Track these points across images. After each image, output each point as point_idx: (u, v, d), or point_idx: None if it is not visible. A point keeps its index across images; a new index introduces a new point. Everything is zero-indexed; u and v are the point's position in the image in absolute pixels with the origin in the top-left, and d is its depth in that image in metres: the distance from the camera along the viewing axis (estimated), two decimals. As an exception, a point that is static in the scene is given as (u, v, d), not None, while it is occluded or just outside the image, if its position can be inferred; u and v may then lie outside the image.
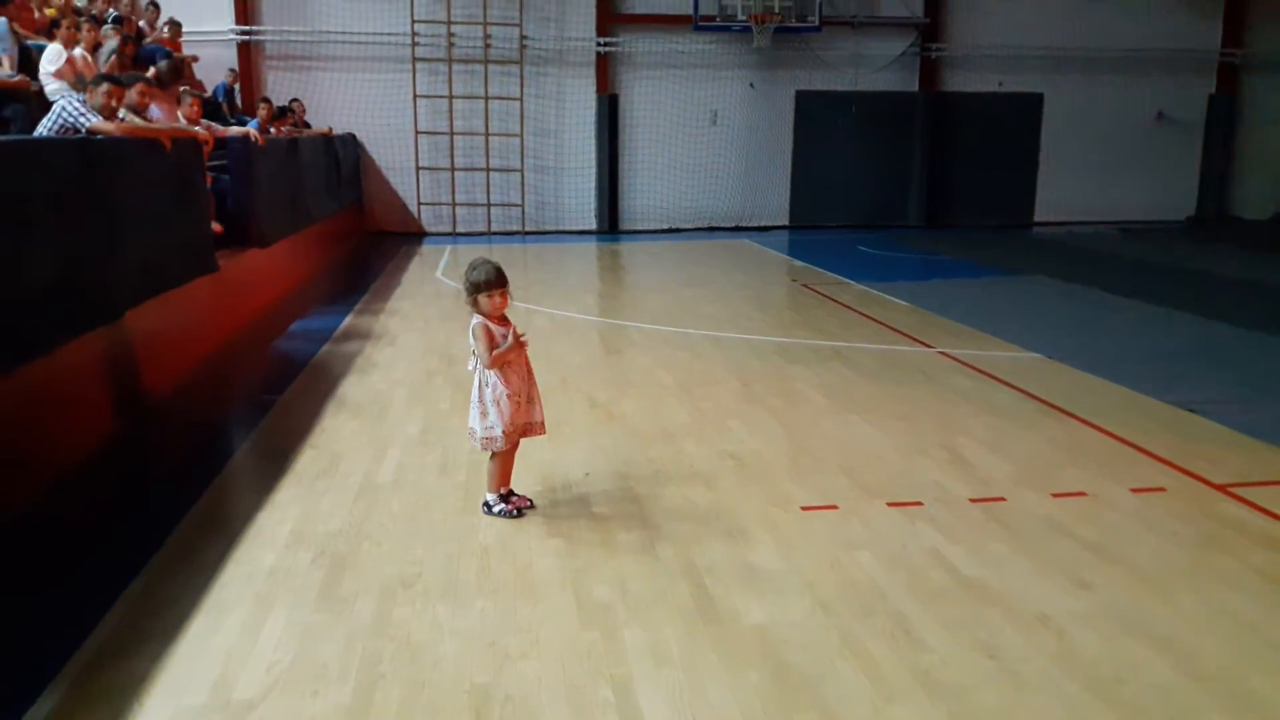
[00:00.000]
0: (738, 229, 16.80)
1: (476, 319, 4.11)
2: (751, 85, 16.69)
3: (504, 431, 4.12)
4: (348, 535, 4.06)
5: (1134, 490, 4.59)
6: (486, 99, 15.82)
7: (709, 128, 16.69)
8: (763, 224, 17.05)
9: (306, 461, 4.98)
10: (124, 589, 3.56)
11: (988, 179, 17.66)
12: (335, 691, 2.92)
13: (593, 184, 16.47)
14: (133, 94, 6.83)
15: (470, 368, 4.21)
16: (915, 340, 7.88)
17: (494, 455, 4.23)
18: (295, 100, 13.89)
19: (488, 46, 15.69)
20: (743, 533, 4.08)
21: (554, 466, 4.87)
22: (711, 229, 16.81)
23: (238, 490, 4.71)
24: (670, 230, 16.62)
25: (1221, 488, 4.62)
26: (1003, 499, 4.49)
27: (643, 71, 16.38)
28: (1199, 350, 7.56)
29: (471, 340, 4.12)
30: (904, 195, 17.46)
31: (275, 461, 4.96)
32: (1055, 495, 4.52)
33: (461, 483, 4.60)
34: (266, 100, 12.03)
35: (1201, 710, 2.84)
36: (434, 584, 3.62)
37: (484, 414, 4.13)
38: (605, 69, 16.18)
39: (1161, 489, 4.61)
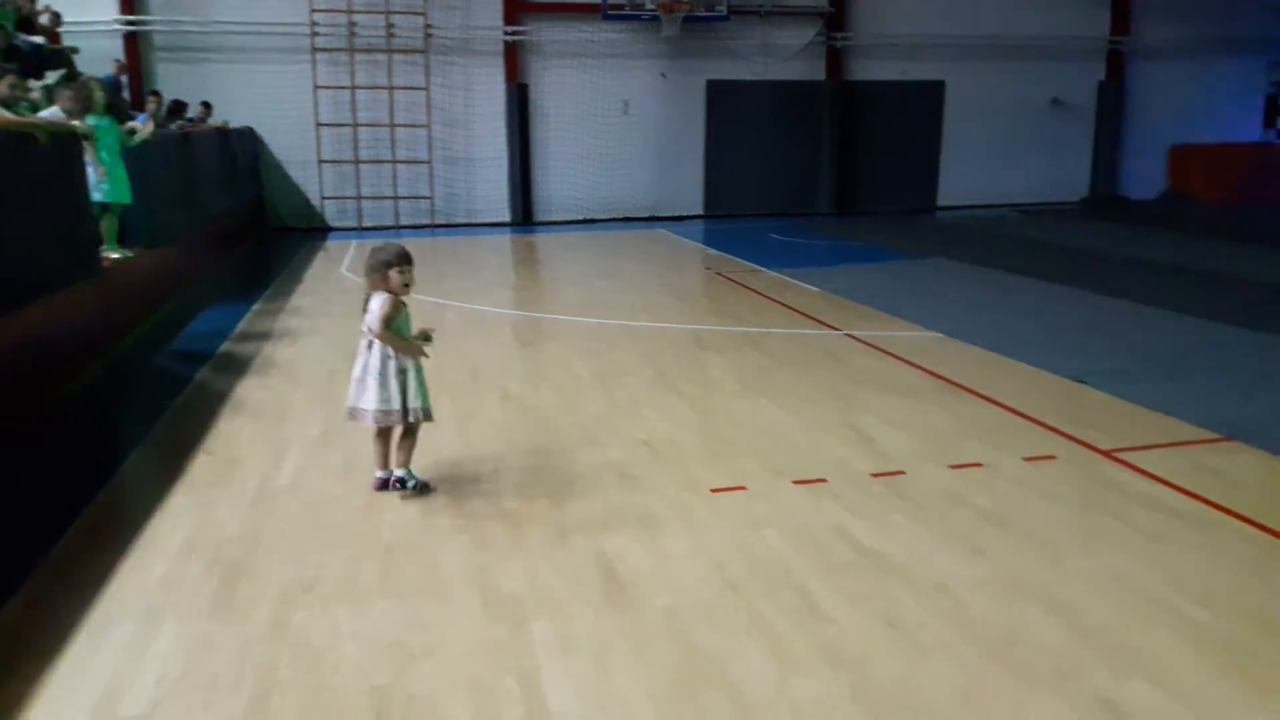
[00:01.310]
0: (653, 219, 16.86)
1: (385, 294, 4.17)
2: (663, 75, 16.74)
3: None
4: (244, 542, 3.96)
5: (1027, 460, 4.76)
6: (391, 89, 15.55)
7: (621, 117, 16.70)
8: (678, 213, 17.14)
9: (201, 467, 4.83)
10: (1, 607, 3.40)
11: (894, 165, 18.06)
12: (228, 702, 2.85)
13: (504, 175, 16.34)
14: (3, 87, 6.52)
15: (366, 344, 4.23)
16: (823, 324, 8.02)
17: (405, 433, 4.33)
18: (205, 103, 13.50)
19: (391, 36, 15.41)
20: (654, 518, 4.11)
21: (463, 462, 4.83)
22: (627, 219, 16.83)
23: (128, 500, 4.54)
24: (585, 221, 16.59)
25: (1108, 453, 4.82)
26: (903, 473, 4.61)
27: (553, 60, 16.29)
28: (1090, 325, 7.87)
29: (371, 313, 4.16)
30: (815, 183, 17.74)
31: (168, 468, 4.80)
32: (953, 467, 4.67)
33: (364, 484, 4.53)
34: (155, 93, 11.61)
35: (1086, 665, 2.96)
36: (334, 587, 3.55)
37: (383, 386, 4.19)
38: (514, 58, 16.05)
39: (1052, 457, 4.79)
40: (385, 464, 4.42)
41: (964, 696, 2.81)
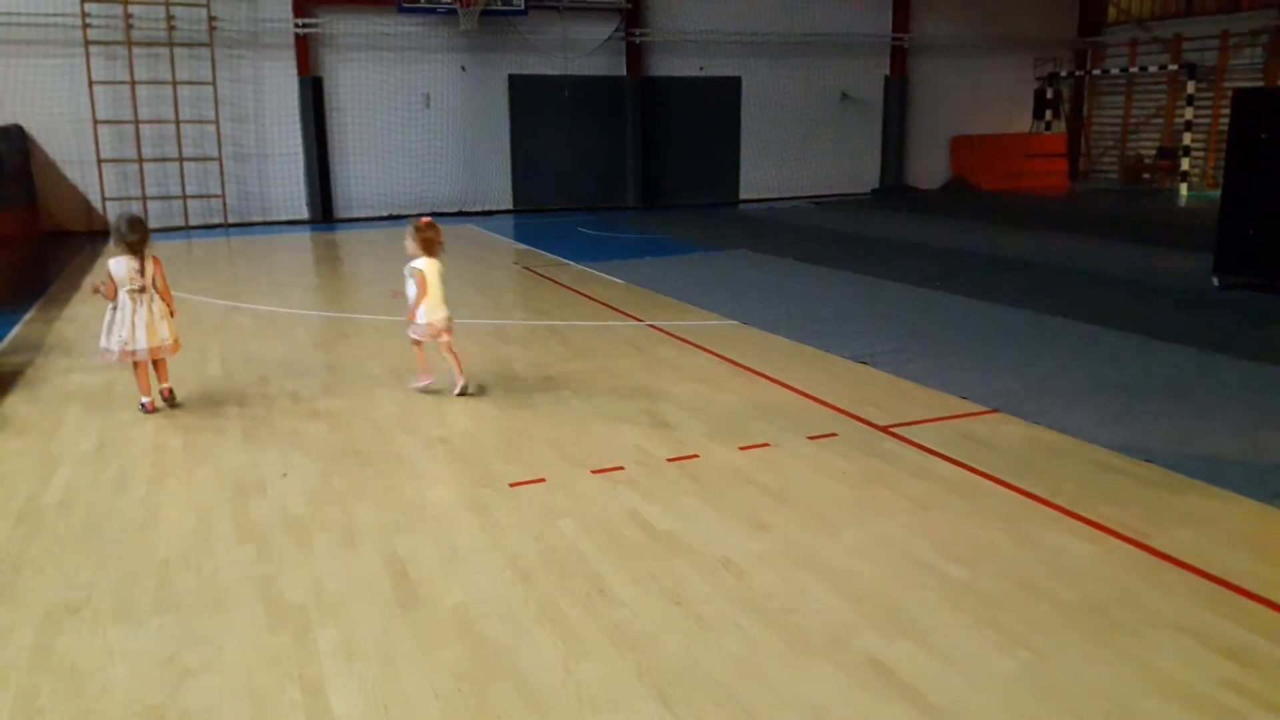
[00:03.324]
0: (461, 214, 16.61)
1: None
2: (463, 68, 16.51)
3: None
4: (4, 565, 3.65)
5: (811, 438, 5.01)
6: (175, 84, 14.60)
7: (423, 111, 16.35)
8: (486, 208, 16.96)
9: (-46, 491, 4.41)
10: None
11: (697, 160, 18.54)
12: (-23, 739, 2.62)
13: (300, 171, 15.67)
14: None
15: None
16: (627, 315, 8.15)
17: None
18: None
19: (171, 28, 14.47)
20: (448, 516, 4.07)
21: (248, 469, 4.62)
22: (433, 214, 16.48)
23: None
24: (390, 217, 16.15)
25: (884, 429, 5.14)
26: (697, 456, 4.76)
27: (348, 54, 15.75)
28: (874, 309, 8.35)
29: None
30: (621, 177, 17.97)
31: (-87, 495, 4.36)
32: (743, 448, 4.86)
33: (141, 498, 4.26)
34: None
35: (856, 627, 3.16)
36: (104, 606, 3.33)
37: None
38: (306, 51, 15.40)
39: (834, 435, 5.07)
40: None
41: (743, 666, 2.93)
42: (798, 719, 2.68)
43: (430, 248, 5.97)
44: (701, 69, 18.15)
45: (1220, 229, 8.82)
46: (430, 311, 5.78)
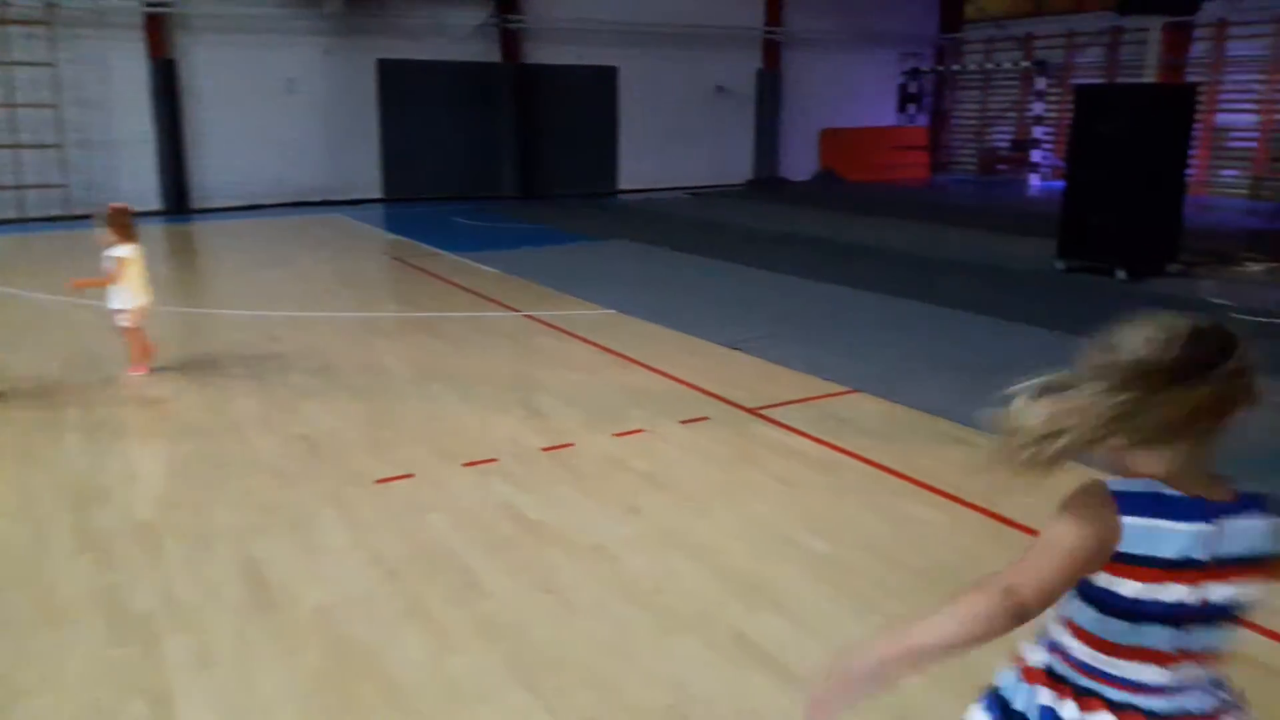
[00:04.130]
0: (327, 203, 16.09)
1: None
2: (328, 52, 15.98)
3: None
4: None
5: (683, 422, 5.06)
6: (10, 65, 13.65)
7: (286, 96, 15.75)
8: (355, 197, 16.47)
9: None
10: None
11: (575, 149, 18.46)
12: None
13: (153, 160, 14.86)
14: None
15: None
16: (503, 306, 8.06)
17: None
18: None
19: (5, 5, 13.51)
20: (310, 516, 3.94)
21: (91, 474, 4.36)
22: (299, 204, 15.93)
23: None
24: (252, 207, 15.50)
25: (753, 411, 5.24)
26: (572, 445, 4.74)
27: (204, 36, 15.02)
28: (747, 297, 8.50)
29: None
30: (498, 166, 17.74)
31: None
32: (617, 435, 4.87)
33: (-28, 506, 3.97)
34: None
35: (723, 604, 3.20)
36: (-74, 627, 3.09)
37: None
38: (159, 32, 14.62)
39: (706, 418, 5.13)
40: None
41: (612, 648, 2.94)
42: (664, 695, 2.70)
43: (129, 233, 5.99)
44: (579, 57, 18.08)
45: (1063, 216, 9.33)
46: (136, 296, 5.88)
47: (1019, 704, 1.53)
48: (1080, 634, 1.45)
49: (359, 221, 14.21)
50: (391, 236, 12.72)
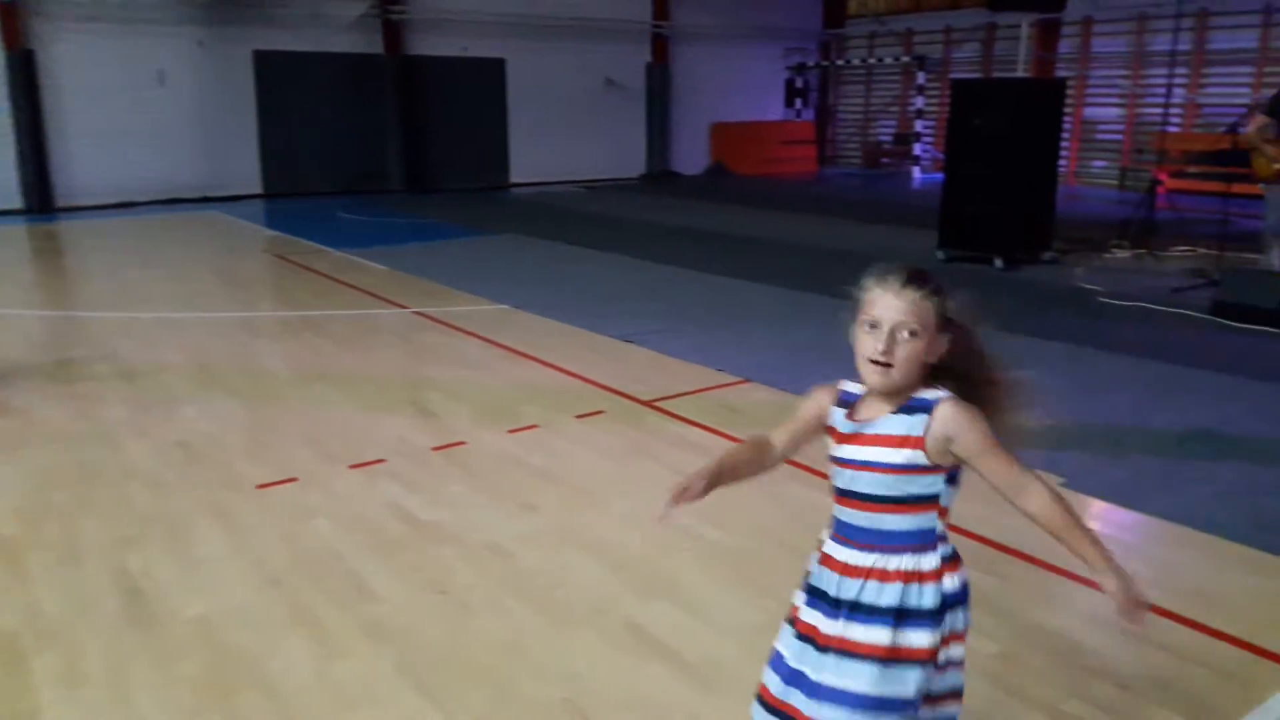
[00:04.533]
0: (204, 200, 15.48)
1: None
2: (200, 44, 15.36)
3: None
4: None
5: (578, 416, 5.05)
6: None
7: (157, 89, 15.07)
8: (233, 193, 15.88)
9: None
10: None
11: (464, 142, 18.20)
12: None
13: (11, 156, 14.01)
14: None
15: None
16: (390, 302, 7.89)
17: None
18: None
19: None
20: (188, 524, 3.77)
21: (-52, 487, 4.09)
22: (174, 201, 15.28)
23: None
24: (123, 205, 14.80)
25: (648, 403, 5.26)
26: (464, 443, 4.67)
27: (65, 25, 14.23)
28: (641, 290, 8.52)
29: None
30: (384, 160, 17.36)
31: None
32: (511, 431, 4.82)
33: None
34: None
35: (618, 595, 3.20)
36: None
37: None
38: (14, 21, 13.79)
39: (601, 412, 5.13)
40: None
41: (507, 646, 2.90)
42: (559, 689, 2.68)
43: None
44: (465, 49, 17.82)
45: (942, 208, 9.65)
46: None
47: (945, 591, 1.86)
48: (945, 513, 1.88)
49: (238, 218, 13.71)
50: (272, 233, 12.33)
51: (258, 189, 16.22)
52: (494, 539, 3.63)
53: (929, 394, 1.82)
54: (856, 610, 1.83)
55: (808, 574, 1.97)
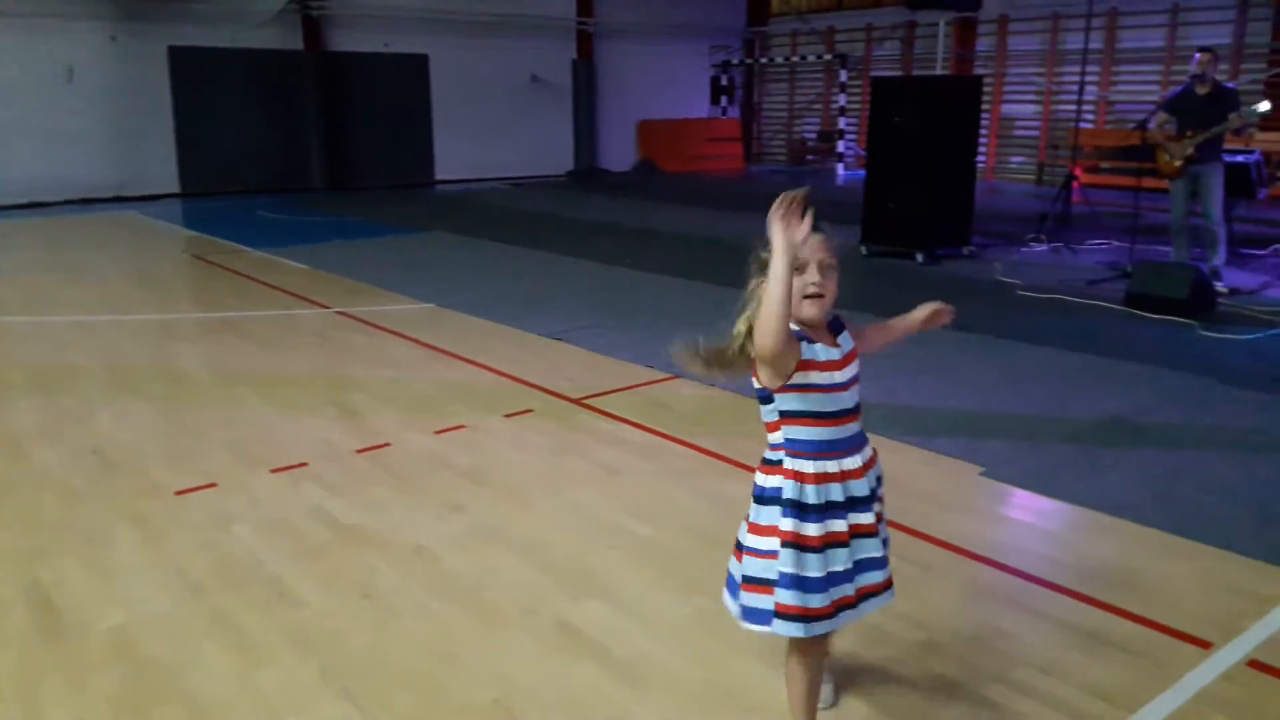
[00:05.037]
0: (119, 200, 15.01)
1: None
2: (113, 38, 14.87)
3: None
4: None
5: (507, 416, 5.02)
6: None
7: (65, 86, 14.54)
8: (150, 193, 15.42)
9: None
10: None
11: (387, 140, 17.94)
12: None
13: (-88, 156, 13.45)
14: None
15: None
16: (313, 302, 7.75)
17: None
18: None
19: None
20: (103, 533, 3.66)
21: None
22: (87, 201, 14.78)
23: None
24: (33, 205, 14.26)
25: (578, 401, 5.25)
26: (388, 444, 4.61)
27: (-36, 18, 13.68)
28: (570, 287, 8.50)
29: None
30: (305, 157, 17.02)
31: None
32: (438, 432, 4.77)
33: None
34: None
35: (548, 596, 3.20)
36: None
37: None
38: (-91, 13, 13.22)
39: (530, 410, 5.11)
40: None
41: (434, 649, 2.88)
42: (488, 691, 2.67)
43: None
44: (386, 45, 17.56)
45: (865, 204, 9.82)
46: None
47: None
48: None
49: (154, 218, 13.31)
50: (190, 233, 12.00)
51: (175, 188, 15.77)
52: (420, 541, 3.60)
53: (830, 319, 2.25)
54: (868, 501, 2.24)
55: (825, 502, 2.18)
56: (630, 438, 4.69)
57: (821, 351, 2.17)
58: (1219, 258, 8.01)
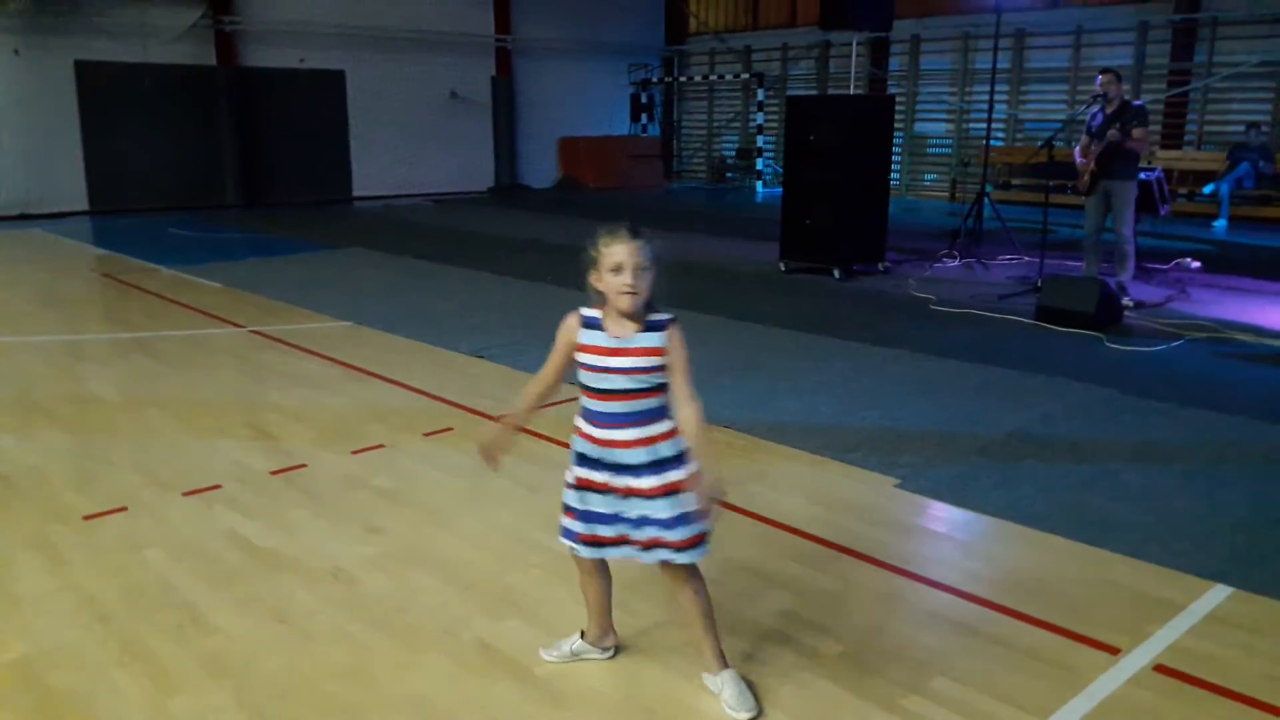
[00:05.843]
0: (24, 218, 14.48)
1: None
2: (16, 52, 14.37)
3: None
4: None
5: (426, 435, 5.00)
6: None
7: (-36, 100, 14.02)
8: (56, 210, 14.92)
9: None
10: None
11: (303, 156, 17.67)
12: None
13: None
14: None
15: None
16: (226, 321, 7.59)
17: None
18: None
19: None
20: (8, 560, 3.55)
21: None
22: (-10, 219, 14.23)
23: None
24: (-73, 224, 13.69)
25: (498, 419, 5.23)
26: (304, 465, 4.55)
27: None
28: (491, 304, 8.49)
29: None
30: (218, 174, 16.65)
31: None
32: (355, 452, 4.73)
33: None
34: None
35: (467, 616, 3.20)
36: None
37: None
38: None
39: (450, 429, 5.09)
40: None
41: (351, 672, 2.86)
42: (408, 715, 2.66)
43: None
44: (302, 61, 17.31)
45: (783, 221, 10.02)
46: None
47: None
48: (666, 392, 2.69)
49: (61, 236, 12.88)
50: (99, 251, 11.64)
51: (84, 206, 15.29)
52: (337, 564, 3.56)
53: (659, 317, 2.62)
54: (642, 469, 2.61)
55: (582, 456, 2.76)
56: (550, 454, 4.71)
57: (599, 339, 2.63)
58: (1127, 273, 8.38)
